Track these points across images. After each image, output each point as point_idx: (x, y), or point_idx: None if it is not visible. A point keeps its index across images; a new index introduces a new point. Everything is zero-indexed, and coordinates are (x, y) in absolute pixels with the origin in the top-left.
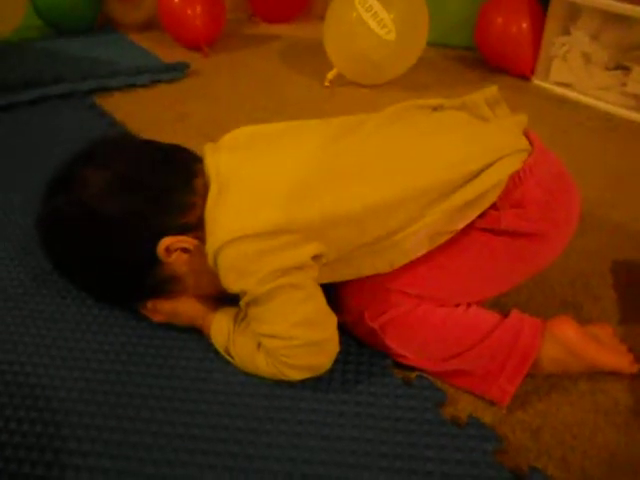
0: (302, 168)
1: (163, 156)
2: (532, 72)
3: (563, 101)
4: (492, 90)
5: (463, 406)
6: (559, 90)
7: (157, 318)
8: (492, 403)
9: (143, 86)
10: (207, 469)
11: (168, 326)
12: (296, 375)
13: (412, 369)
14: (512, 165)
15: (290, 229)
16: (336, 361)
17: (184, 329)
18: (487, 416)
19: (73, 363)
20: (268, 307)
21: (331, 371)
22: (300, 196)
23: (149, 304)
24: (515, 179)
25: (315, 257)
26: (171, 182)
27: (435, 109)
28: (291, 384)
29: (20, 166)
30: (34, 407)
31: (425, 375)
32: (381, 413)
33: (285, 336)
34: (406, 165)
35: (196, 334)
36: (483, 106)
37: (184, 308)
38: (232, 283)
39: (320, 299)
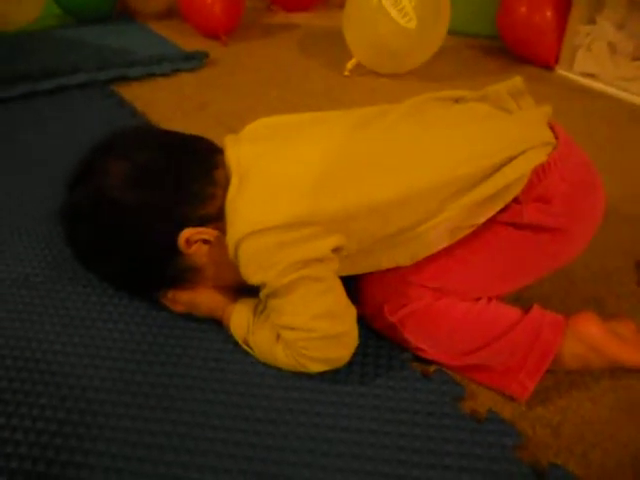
0: (323, 160)
1: (183, 147)
2: (556, 62)
3: (587, 92)
4: (516, 81)
5: (482, 401)
6: (583, 80)
7: (177, 308)
8: (512, 398)
9: (162, 75)
10: (226, 458)
11: (188, 317)
12: (315, 367)
13: (431, 363)
14: (536, 158)
15: (311, 221)
16: (355, 354)
17: (204, 320)
18: (506, 411)
19: (94, 352)
20: (288, 299)
21: (350, 364)
22: (322, 188)
23: (169, 294)
24: (539, 173)
25: (336, 249)
26: (191, 173)
27: (457, 101)
28: (310, 376)
29: (39, 156)
30: (57, 395)
31: (444, 369)
32: (399, 406)
33: (304, 328)
34: (427, 158)
35: (215, 325)
36: (506, 98)
37: (204, 299)
38: (252, 275)
39: (340, 292)
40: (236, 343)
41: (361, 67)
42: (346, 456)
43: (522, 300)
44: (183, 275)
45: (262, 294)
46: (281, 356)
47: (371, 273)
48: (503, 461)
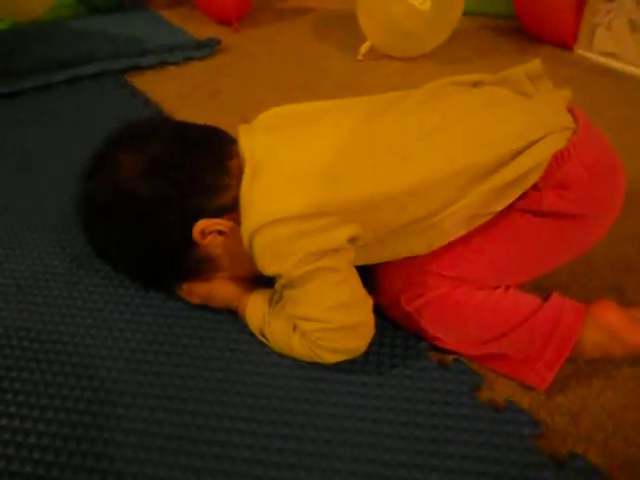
0: (338, 149)
1: (197, 138)
2: (574, 41)
3: (607, 72)
4: (534, 64)
5: (500, 390)
6: (603, 60)
7: (193, 300)
8: (530, 388)
9: (175, 64)
10: (244, 448)
11: (204, 308)
12: (331, 358)
13: (448, 352)
14: (556, 144)
15: (327, 211)
16: (371, 344)
17: (219, 311)
18: (525, 401)
19: (112, 343)
20: (304, 290)
21: (366, 354)
22: (337, 177)
23: (185, 286)
24: (558, 158)
25: (351, 239)
26: (205, 164)
27: (474, 85)
28: (326, 366)
29: (54, 147)
30: (77, 386)
31: (461, 359)
32: (416, 396)
33: (320, 319)
34: (446, 144)
35: (231, 316)
36: (525, 81)
37: (219, 290)
38: (267, 266)
39: (356, 282)
40: (252, 334)
41: (375, 51)
42: (363, 446)
43: (540, 288)
44: (198, 266)
45: (278, 285)
46: (297, 346)
47: (387, 262)
48: (522, 450)
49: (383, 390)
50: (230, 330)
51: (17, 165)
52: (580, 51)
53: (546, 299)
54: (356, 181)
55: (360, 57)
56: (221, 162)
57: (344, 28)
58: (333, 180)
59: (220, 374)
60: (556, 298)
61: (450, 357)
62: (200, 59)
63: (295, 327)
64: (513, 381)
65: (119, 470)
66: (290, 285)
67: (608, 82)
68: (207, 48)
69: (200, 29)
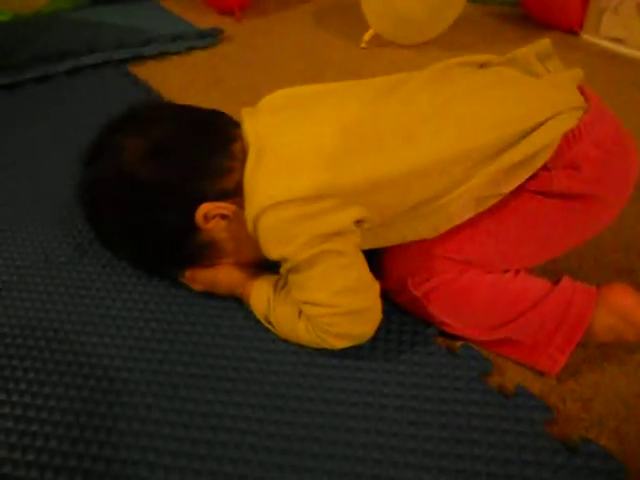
0: (343, 130)
1: (200, 121)
2: (580, 26)
3: (615, 57)
4: (544, 43)
5: (510, 376)
6: (610, 45)
7: (196, 287)
8: (541, 373)
9: (177, 53)
10: (249, 435)
11: (207, 295)
12: (338, 344)
13: (457, 338)
14: (566, 123)
15: (332, 193)
16: (378, 330)
17: (224, 298)
18: (536, 386)
19: (115, 332)
20: (309, 274)
21: (373, 340)
22: (343, 159)
23: (188, 273)
24: (569, 138)
25: (357, 222)
26: (208, 147)
27: (481, 66)
28: (332, 352)
29: (57, 136)
30: (80, 373)
31: (470, 344)
32: (425, 382)
33: (327, 304)
34: (452, 125)
35: (236, 303)
36: (534, 61)
37: (223, 276)
38: (272, 250)
39: (362, 266)
40: (257, 320)
41: (379, 39)
42: (371, 433)
43: (549, 273)
44: (201, 252)
45: (283, 269)
46: (303, 332)
47: (394, 246)
48: (533, 436)
49: (391, 376)
50: (234, 317)
51: (18, 156)
52: (586, 36)
53: (556, 283)
54: (361, 163)
55: (364, 45)
56: (225, 145)
57: (347, 16)
58: (338, 162)
59: (224, 361)
60: (567, 281)
61: (458, 343)
62: (202, 49)
63: (301, 313)
64: (523, 366)
65: (123, 458)
66: (295, 269)
67: (615, 67)
68: (209, 38)
69: (202, 19)
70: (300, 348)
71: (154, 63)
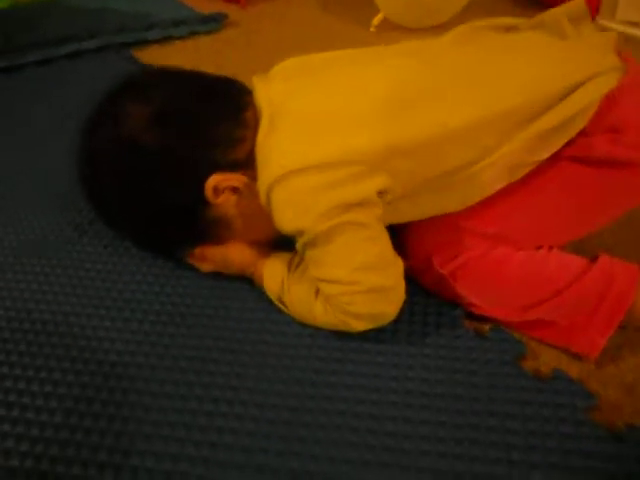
0: (365, 93)
1: (210, 87)
2: (596, 11)
3: (632, 41)
4: (577, 3)
5: (545, 360)
6: (627, 30)
7: (204, 267)
8: (578, 357)
9: (180, 38)
10: (264, 423)
11: (216, 276)
12: (358, 325)
13: (486, 320)
14: (606, 84)
15: (353, 160)
16: (401, 311)
17: (234, 278)
18: (573, 371)
19: (116, 314)
20: (328, 249)
21: (396, 322)
22: (364, 123)
23: (196, 252)
24: (609, 100)
25: (380, 192)
26: (219, 114)
27: (508, 30)
28: (351, 336)
29: (58, 119)
30: (80, 358)
31: (500, 326)
32: (454, 366)
33: (347, 281)
34: (484, 87)
35: (247, 283)
36: (566, 23)
37: (234, 255)
38: (287, 222)
39: (385, 241)
40: (270, 302)
41: (388, 22)
42: (397, 420)
43: (581, 252)
44: (211, 229)
45: (299, 244)
46: (320, 313)
47: (418, 222)
48: (575, 423)
49: (415, 360)
50: (246, 298)
51: (18, 140)
52: (603, 21)
53: (593, 260)
54: (385, 127)
55: (372, 29)
56: (236, 113)
57: (355, 0)
58: (360, 126)
59: (236, 345)
60: (605, 259)
61: (487, 325)
62: (206, 34)
63: (318, 292)
64: (558, 350)
65: (132, 431)
66: (312, 244)
67: (633, 53)
68: (213, 23)
69: (206, 5)
70: (317, 331)
71: (157, 48)
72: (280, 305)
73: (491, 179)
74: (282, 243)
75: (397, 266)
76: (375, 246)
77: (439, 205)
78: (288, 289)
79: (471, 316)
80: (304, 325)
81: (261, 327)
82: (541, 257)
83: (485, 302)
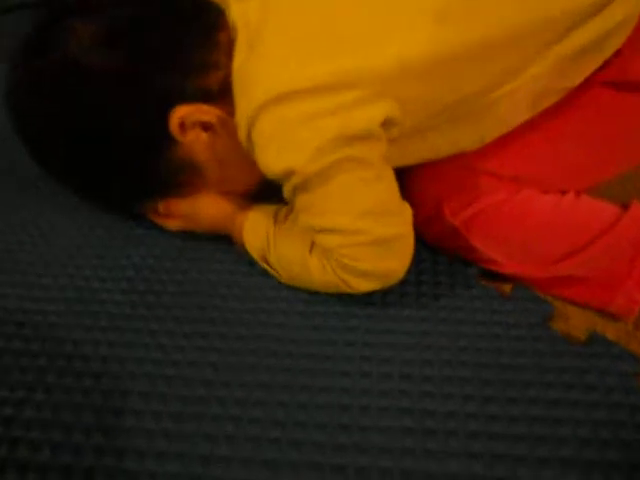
0: (363, 5)
1: (176, 2)
2: None
3: None
4: None
5: (576, 323)
6: None
7: (171, 225)
8: (613, 318)
9: None
10: (258, 407)
11: (185, 235)
12: (361, 285)
13: (504, 279)
14: None
15: (353, 82)
16: (407, 272)
17: (207, 237)
18: (610, 333)
19: (83, 283)
20: (325, 192)
21: (402, 284)
22: (366, 37)
23: (160, 206)
24: None
25: (385, 124)
26: (187, 34)
27: None
28: (353, 299)
29: None
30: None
31: (522, 286)
32: (475, 331)
33: (349, 230)
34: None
35: (223, 243)
36: None
37: (206, 209)
38: (274, 161)
39: (392, 183)
40: (252, 263)
41: None
42: (413, 395)
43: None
44: (177, 176)
45: (288, 190)
46: (317, 272)
47: (425, 165)
48: (624, 391)
49: (430, 325)
50: (223, 260)
51: None
52: None
53: (626, 208)
54: (392, 42)
55: None
56: (207, 33)
57: None
58: (361, 41)
59: (213, 313)
60: (639, 206)
61: (508, 285)
62: None
63: (313, 247)
64: (589, 312)
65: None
66: (304, 187)
67: None
68: None
69: None
70: (311, 296)
71: None
72: (265, 266)
73: (511, 110)
74: (264, 197)
75: (405, 214)
76: (380, 188)
77: (452, 142)
78: (275, 245)
79: (488, 275)
80: (296, 289)
81: (242, 293)
82: (569, 202)
83: (505, 256)
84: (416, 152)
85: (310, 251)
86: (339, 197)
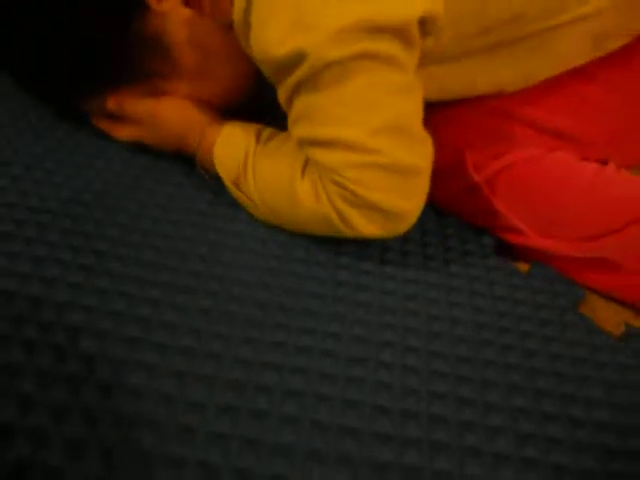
0: None
1: None
2: None
3: None
4: None
5: (604, 315)
6: None
7: (121, 133)
8: None
9: None
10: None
11: (137, 151)
12: (361, 224)
13: (519, 256)
14: None
15: None
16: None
17: (163, 155)
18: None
19: None
20: (339, 93)
21: (404, 240)
22: None
23: (111, 100)
24: None
25: (423, 24)
26: None
27: None
28: (341, 249)
29: None
30: None
31: (543, 264)
32: (496, 307)
33: (362, 145)
34: None
35: (183, 163)
36: None
37: (169, 112)
38: (281, 38)
39: (420, 103)
40: (220, 190)
41: None
42: (421, 373)
43: None
44: (142, 59)
45: (287, 88)
46: (306, 200)
47: (448, 106)
48: None
49: (439, 293)
50: (181, 184)
51: None
52: None
53: None
54: None
55: None
56: None
57: None
58: None
59: (175, 261)
60: None
61: (524, 264)
62: None
63: (306, 168)
64: (615, 302)
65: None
66: (313, 84)
67: None
68: None
69: None
70: (290, 237)
71: None
72: (236, 192)
73: (569, 47)
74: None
75: (428, 147)
76: (407, 103)
77: (491, 76)
78: (254, 166)
79: (503, 250)
80: (273, 228)
81: (205, 224)
82: (611, 174)
83: (532, 226)
84: (447, 84)
85: (302, 174)
86: (356, 103)
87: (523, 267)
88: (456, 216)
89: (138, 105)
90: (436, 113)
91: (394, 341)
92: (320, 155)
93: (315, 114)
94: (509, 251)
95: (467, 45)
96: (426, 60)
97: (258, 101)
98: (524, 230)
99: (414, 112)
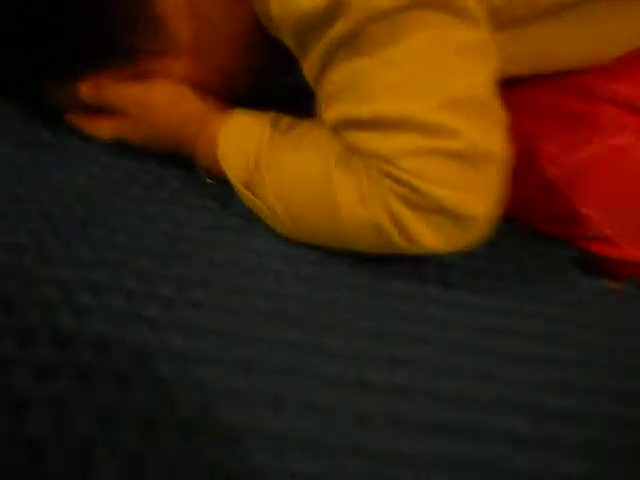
0: None
1: None
2: None
3: None
4: None
5: None
6: None
7: (103, 129)
8: None
9: None
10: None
11: (123, 150)
12: (421, 231)
13: (614, 269)
14: None
15: None
16: None
17: (154, 156)
18: None
19: None
20: (392, 56)
21: (467, 256)
22: None
23: (85, 85)
24: None
25: None
26: None
27: None
28: (393, 266)
29: None
30: None
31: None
32: (592, 338)
33: (424, 124)
34: None
35: (183, 167)
36: None
37: (163, 98)
38: None
39: (497, 69)
40: (229, 194)
41: None
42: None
43: None
44: (126, 34)
45: (317, 55)
46: (348, 204)
47: (522, 85)
48: None
49: (514, 322)
50: (175, 188)
51: None
52: None
53: None
54: None
55: None
56: None
57: None
58: None
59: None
60: None
61: (616, 281)
62: None
63: (342, 162)
64: None
65: None
66: (357, 44)
67: None
68: None
69: None
70: (325, 256)
71: None
72: (249, 196)
73: None
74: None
75: (503, 128)
76: (484, 69)
77: (574, 45)
78: (271, 162)
79: (586, 262)
80: (297, 242)
81: (208, 240)
82: None
83: (624, 233)
84: (518, 54)
85: (340, 169)
86: (414, 68)
87: (614, 285)
88: (526, 223)
89: (121, 90)
90: (501, 94)
91: (458, 390)
92: (367, 141)
93: (359, 86)
94: (595, 265)
95: (548, 2)
96: (493, 23)
97: (267, 88)
98: (613, 238)
99: (489, 82)
